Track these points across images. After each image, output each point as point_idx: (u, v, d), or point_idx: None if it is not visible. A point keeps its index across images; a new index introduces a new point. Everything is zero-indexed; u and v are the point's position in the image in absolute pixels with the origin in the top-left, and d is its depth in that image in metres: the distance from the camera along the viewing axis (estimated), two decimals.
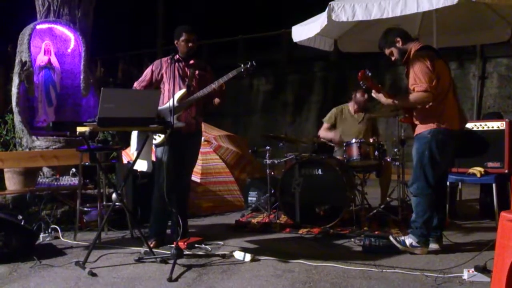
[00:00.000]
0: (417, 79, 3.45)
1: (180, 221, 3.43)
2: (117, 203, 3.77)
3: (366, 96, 5.34)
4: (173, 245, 3.32)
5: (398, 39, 3.65)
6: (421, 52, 3.55)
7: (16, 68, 5.79)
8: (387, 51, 3.73)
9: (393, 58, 3.73)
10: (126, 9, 18.08)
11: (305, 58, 12.90)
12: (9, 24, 8.23)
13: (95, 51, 8.77)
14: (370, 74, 3.56)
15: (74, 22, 6.28)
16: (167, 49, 14.40)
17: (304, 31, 5.57)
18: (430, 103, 3.50)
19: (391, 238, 3.64)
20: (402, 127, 4.82)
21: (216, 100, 4.04)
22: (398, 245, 3.58)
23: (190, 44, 3.98)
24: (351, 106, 5.52)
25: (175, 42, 4.03)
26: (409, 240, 3.58)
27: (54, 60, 6.12)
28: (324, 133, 5.51)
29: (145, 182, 4.78)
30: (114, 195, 3.73)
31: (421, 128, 3.60)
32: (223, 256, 3.56)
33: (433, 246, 3.69)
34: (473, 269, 2.94)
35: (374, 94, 3.73)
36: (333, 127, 5.49)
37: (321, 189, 4.58)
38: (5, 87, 6.66)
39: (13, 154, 5.26)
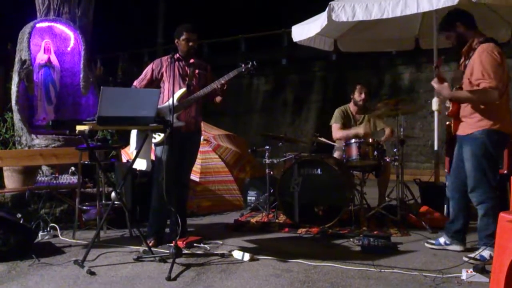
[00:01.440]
0: (485, 74, 3.16)
1: (179, 220, 3.43)
2: (116, 202, 3.77)
3: (363, 96, 5.34)
4: (172, 244, 3.32)
5: (459, 23, 3.39)
6: (491, 45, 3.27)
7: (16, 67, 5.78)
8: (445, 34, 3.48)
9: (451, 44, 3.48)
10: (126, 8, 18.08)
11: (305, 58, 12.90)
12: (9, 22, 8.22)
13: (95, 50, 8.76)
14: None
15: (74, 21, 6.27)
16: (167, 48, 14.40)
17: (304, 31, 5.59)
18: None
19: (466, 258, 3.29)
20: (401, 126, 4.82)
21: (218, 99, 4.04)
22: (478, 262, 3.19)
23: (190, 43, 3.97)
24: (352, 107, 5.52)
25: (176, 41, 4.03)
26: (487, 252, 3.26)
27: (53, 59, 6.11)
28: (341, 133, 5.25)
29: (144, 181, 4.78)
30: (113, 194, 3.73)
31: (471, 128, 3.32)
32: (222, 255, 3.56)
33: (456, 247, 3.63)
34: (471, 270, 2.94)
35: (436, 84, 3.45)
36: (343, 126, 5.41)
37: (320, 189, 4.58)
38: (4, 85, 6.64)
39: (12, 153, 5.25)
